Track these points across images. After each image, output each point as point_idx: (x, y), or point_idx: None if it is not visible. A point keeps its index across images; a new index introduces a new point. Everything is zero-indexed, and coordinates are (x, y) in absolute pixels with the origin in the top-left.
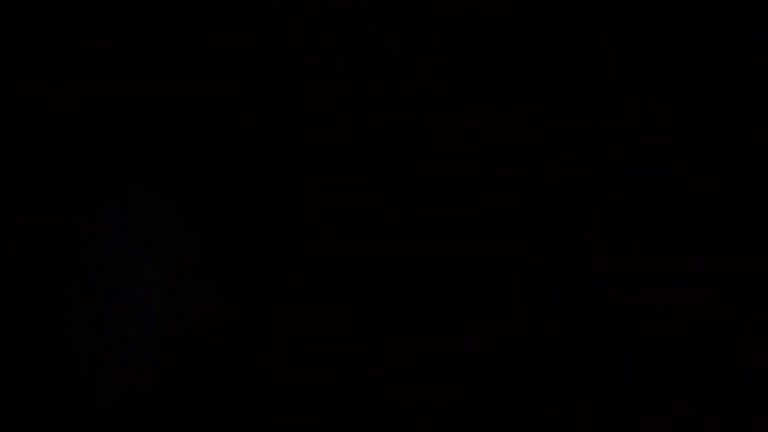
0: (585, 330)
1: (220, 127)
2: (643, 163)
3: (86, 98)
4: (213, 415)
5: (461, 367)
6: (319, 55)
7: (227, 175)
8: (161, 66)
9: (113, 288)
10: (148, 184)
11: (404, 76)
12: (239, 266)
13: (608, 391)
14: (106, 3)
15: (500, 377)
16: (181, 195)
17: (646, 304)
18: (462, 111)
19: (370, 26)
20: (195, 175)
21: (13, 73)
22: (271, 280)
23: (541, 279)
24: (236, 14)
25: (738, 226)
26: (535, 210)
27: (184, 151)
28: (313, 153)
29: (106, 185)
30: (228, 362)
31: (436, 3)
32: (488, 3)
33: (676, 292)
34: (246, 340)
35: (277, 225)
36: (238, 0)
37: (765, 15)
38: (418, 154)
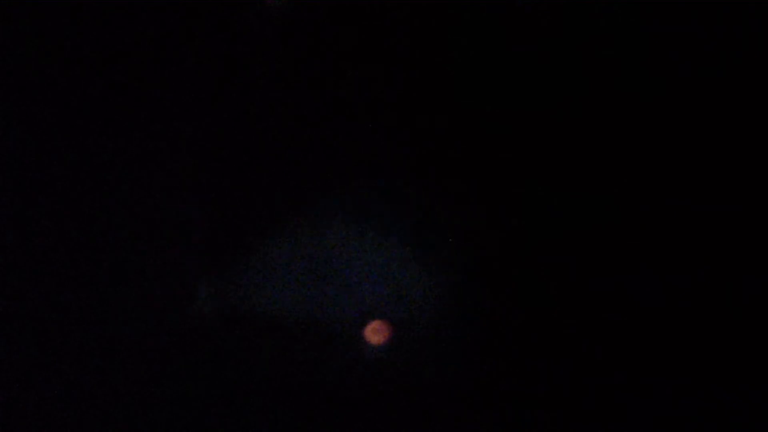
0: (585, 329)
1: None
2: (643, 163)
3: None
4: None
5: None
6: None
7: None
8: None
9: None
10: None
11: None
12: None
13: (607, 391)
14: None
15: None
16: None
17: (645, 304)
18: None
19: (369, 26)
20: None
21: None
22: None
23: (538, 278)
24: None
25: (737, 227)
26: (533, 209)
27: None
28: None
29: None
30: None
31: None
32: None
33: (677, 292)
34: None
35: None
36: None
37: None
38: (415, 153)
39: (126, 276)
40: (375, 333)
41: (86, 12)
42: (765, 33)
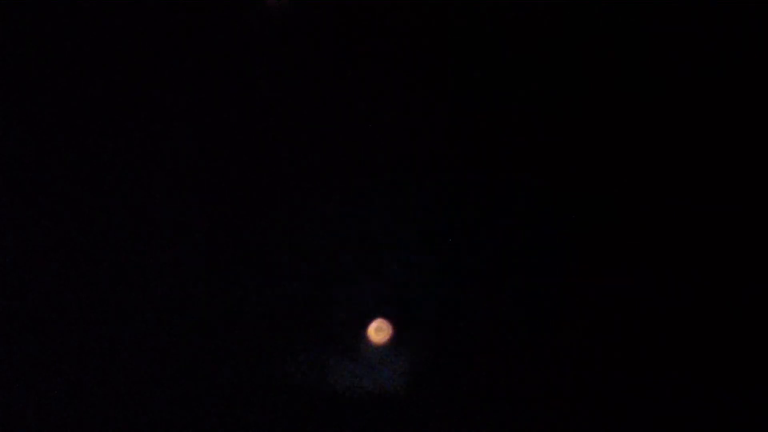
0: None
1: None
2: (643, 163)
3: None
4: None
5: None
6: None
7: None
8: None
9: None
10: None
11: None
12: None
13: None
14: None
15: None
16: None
17: (645, 305)
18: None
19: (372, 26)
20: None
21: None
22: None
23: (538, 278)
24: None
25: (737, 227)
26: (532, 208)
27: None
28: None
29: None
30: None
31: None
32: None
33: (677, 292)
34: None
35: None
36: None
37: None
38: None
39: (126, 276)
40: (376, 333)
41: (86, 12)
42: (765, 33)
